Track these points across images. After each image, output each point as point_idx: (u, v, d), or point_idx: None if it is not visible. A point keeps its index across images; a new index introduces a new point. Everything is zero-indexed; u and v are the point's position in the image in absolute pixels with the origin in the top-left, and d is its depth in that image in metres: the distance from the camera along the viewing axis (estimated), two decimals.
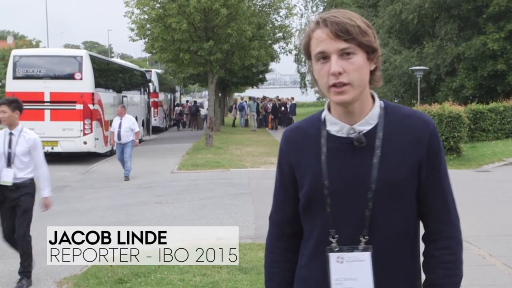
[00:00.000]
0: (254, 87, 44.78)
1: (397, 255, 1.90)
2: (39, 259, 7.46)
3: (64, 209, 11.01)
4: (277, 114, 36.13)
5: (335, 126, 1.92)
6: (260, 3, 24.37)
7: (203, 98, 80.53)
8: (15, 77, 18.65)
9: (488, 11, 26.88)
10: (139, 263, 6.60)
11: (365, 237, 1.85)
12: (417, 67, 23.87)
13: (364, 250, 1.85)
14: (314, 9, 41.55)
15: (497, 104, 22.51)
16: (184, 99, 54.44)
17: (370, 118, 1.90)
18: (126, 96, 23.65)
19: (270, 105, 36.99)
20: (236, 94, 55.03)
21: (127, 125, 14.71)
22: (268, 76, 45.70)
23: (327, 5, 41.02)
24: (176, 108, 40.74)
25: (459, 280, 1.95)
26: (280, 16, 25.19)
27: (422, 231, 2.02)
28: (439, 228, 1.94)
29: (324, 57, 1.82)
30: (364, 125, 1.89)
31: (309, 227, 1.98)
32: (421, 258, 2.01)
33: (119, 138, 14.74)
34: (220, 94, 37.41)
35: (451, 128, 16.86)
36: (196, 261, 5.88)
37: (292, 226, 2.06)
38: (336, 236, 1.88)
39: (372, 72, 1.88)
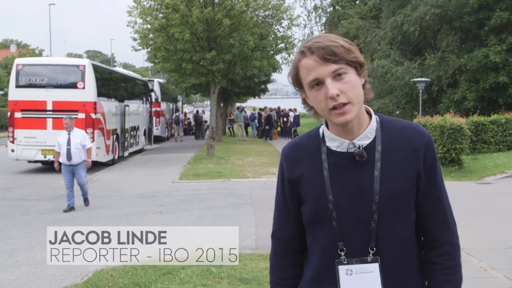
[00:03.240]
0: (256, 97, 44.84)
1: (404, 264, 1.95)
2: (39, 268, 7.46)
3: (65, 218, 11.02)
4: (271, 124, 35.98)
5: (335, 142, 1.96)
6: (262, 14, 24.43)
7: (204, 107, 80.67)
8: (18, 86, 18.70)
9: (490, 24, 26.94)
10: (140, 273, 6.60)
11: (373, 248, 1.90)
12: (419, 79, 23.90)
13: (373, 261, 1.90)
14: (317, 19, 41.68)
15: (499, 116, 22.51)
16: (185, 109, 54.52)
17: (368, 132, 1.95)
18: (128, 105, 23.70)
19: (274, 115, 36.96)
20: (237, 104, 55.09)
21: (77, 141, 11.83)
22: (270, 86, 45.74)
23: (330, 16, 41.18)
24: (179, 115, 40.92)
25: (459, 285, 2.00)
26: (283, 27, 25.23)
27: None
28: (438, 235, 1.99)
29: (318, 83, 1.86)
30: (363, 140, 1.94)
31: (314, 241, 2.01)
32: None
33: (68, 157, 11.74)
34: (222, 104, 37.46)
35: (453, 140, 16.86)
36: (196, 261, 5.86)
37: (297, 242, 2.09)
38: (344, 249, 1.92)
39: (362, 86, 1.93)
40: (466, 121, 18.83)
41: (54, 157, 11.76)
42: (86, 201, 12.30)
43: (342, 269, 1.92)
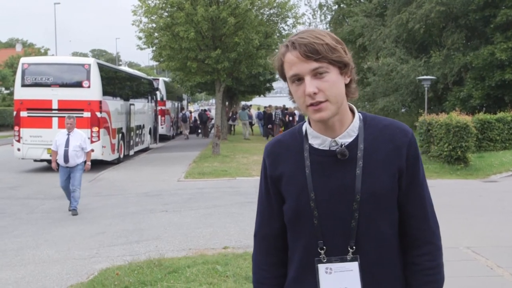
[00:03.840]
0: (261, 95, 44.84)
1: (385, 263, 1.93)
2: (46, 267, 7.49)
3: (71, 217, 11.05)
4: (271, 123, 35.88)
5: (317, 140, 1.95)
6: (267, 12, 24.40)
7: (209, 106, 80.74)
8: (23, 85, 18.76)
9: (496, 21, 26.84)
10: (146, 272, 6.61)
11: (353, 247, 1.89)
12: (424, 77, 23.81)
13: (352, 260, 1.89)
14: (322, 17, 41.67)
15: (505, 114, 22.42)
16: (190, 108, 54.60)
17: (351, 130, 1.94)
18: (133, 104, 23.73)
19: (278, 113, 36.91)
20: (242, 103, 55.08)
21: (77, 143, 11.36)
22: (275, 84, 45.59)
23: (335, 14, 41.13)
24: (186, 113, 41.03)
25: (440, 285, 1.98)
26: (288, 25, 25.19)
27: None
28: (418, 234, 1.97)
29: (298, 79, 1.86)
30: (346, 138, 1.93)
31: (295, 240, 2.00)
32: None
33: (65, 160, 11.26)
34: (227, 103, 37.46)
35: (459, 138, 16.81)
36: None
37: (280, 241, 2.08)
38: (324, 247, 1.91)
39: (347, 85, 1.92)
40: (472, 119, 18.77)
41: (50, 156, 11.30)
42: (73, 211, 11.29)
43: (321, 268, 1.91)
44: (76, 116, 18.42)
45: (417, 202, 1.96)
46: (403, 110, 35.06)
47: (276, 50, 2.01)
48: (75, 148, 11.30)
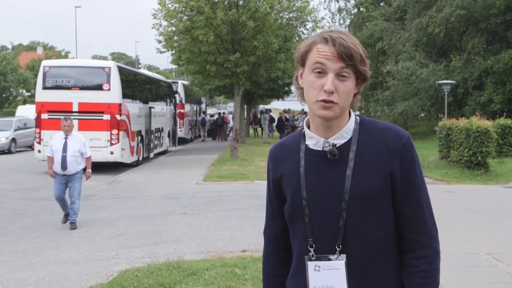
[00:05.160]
0: (280, 99, 44.86)
1: (375, 264, 1.94)
2: (66, 267, 7.56)
3: (90, 218, 11.14)
4: (283, 127, 35.81)
5: (312, 140, 2.00)
6: (287, 16, 24.45)
7: (227, 109, 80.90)
8: (44, 87, 18.95)
9: None
10: (165, 274, 6.64)
11: (339, 246, 1.92)
12: (444, 81, 23.66)
13: (339, 259, 1.92)
14: (342, 21, 41.61)
15: None
16: (209, 111, 54.80)
17: (344, 132, 1.97)
18: (153, 107, 23.87)
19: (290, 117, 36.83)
20: (261, 106, 55.11)
21: (76, 148, 10.06)
22: (294, 88, 45.67)
23: (354, 18, 41.04)
24: (206, 117, 41.32)
25: None
26: (307, 29, 25.22)
27: None
28: (415, 238, 1.97)
29: (320, 71, 1.89)
30: (339, 139, 1.96)
31: (293, 237, 2.06)
32: None
33: (63, 167, 9.98)
34: (245, 106, 37.54)
35: (479, 143, 16.66)
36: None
37: (283, 240, 2.14)
38: (314, 245, 1.95)
39: (354, 95, 1.96)
40: (493, 124, 18.58)
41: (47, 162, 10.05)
42: (72, 224, 10.10)
43: (310, 265, 1.95)
44: (96, 119, 18.78)
45: (414, 206, 1.96)
46: (422, 115, 34.84)
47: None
48: (74, 153, 10.02)
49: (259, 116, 41.24)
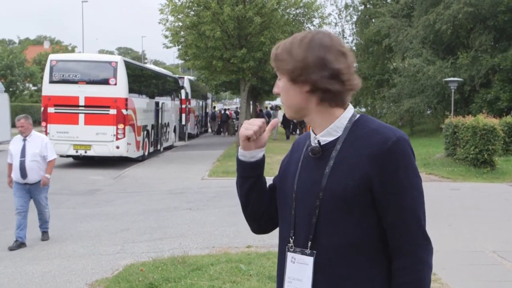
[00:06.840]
0: None
1: (345, 264, 1.89)
2: (71, 261, 7.59)
3: (96, 213, 11.17)
4: (288, 124, 35.67)
5: (311, 137, 2.06)
6: (293, 12, 24.42)
7: (233, 105, 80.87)
8: (51, 81, 19.00)
9: None
10: (170, 269, 6.66)
11: (309, 242, 1.94)
12: (451, 78, 23.55)
13: (309, 255, 1.94)
14: (348, 18, 41.45)
15: None
16: (215, 106, 54.87)
17: (332, 129, 1.97)
18: (159, 102, 23.90)
19: None
20: (267, 102, 55.10)
21: (35, 150, 8.46)
22: None
23: (361, 14, 40.91)
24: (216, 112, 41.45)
25: None
26: (314, 25, 25.15)
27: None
28: (398, 246, 1.89)
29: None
30: (326, 136, 1.98)
31: (281, 223, 2.12)
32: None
33: (22, 174, 8.35)
34: (251, 102, 37.52)
35: (485, 141, 16.59)
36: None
37: (269, 213, 2.24)
38: (293, 237, 2.00)
39: (314, 92, 1.94)
40: (499, 122, 18.51)
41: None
42: (44, 234, 8.87)
43: (289, 256, 2.00)
44: (102, 113, 18.81)
45: (397, 213, 1.87)
46: (428, 112, 34.69)
47: None
48: (33, 158, 8.42)
49: (270, 111, 41.18)
